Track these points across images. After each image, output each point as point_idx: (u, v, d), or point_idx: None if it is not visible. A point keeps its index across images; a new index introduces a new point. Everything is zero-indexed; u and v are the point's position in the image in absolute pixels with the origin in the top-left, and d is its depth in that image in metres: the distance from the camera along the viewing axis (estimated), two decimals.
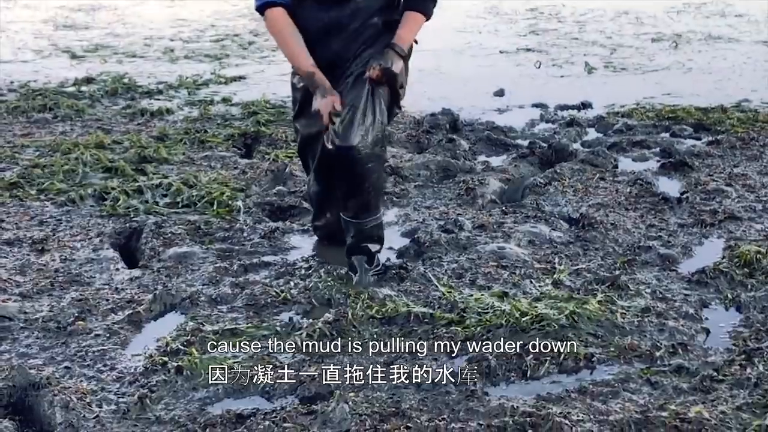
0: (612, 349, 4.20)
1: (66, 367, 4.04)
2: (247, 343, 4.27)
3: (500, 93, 10.27)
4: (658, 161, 7.42)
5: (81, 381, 3.90)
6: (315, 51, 4.80)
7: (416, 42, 5.04)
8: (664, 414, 3.59)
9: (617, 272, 5.02)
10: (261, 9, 4.83)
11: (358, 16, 4.83)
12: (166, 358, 4.08)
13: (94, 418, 3.61)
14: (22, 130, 8.38)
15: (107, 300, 4.71)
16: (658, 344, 4.23)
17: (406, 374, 3.97)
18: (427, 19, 4.90)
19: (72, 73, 11.29)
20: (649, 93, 10.17)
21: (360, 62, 4.84)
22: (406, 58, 4.85)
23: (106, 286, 4.89)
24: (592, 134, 8.54)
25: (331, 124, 4.65)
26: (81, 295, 4.78)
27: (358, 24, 4.84)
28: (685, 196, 6.35)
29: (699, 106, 9.25)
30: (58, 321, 4.48)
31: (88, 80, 10.76)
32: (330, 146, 4.67)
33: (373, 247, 5.02)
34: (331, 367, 4.03)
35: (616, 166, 7.26)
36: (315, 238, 5.59)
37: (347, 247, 5.02)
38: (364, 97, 4.70)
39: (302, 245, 5.50)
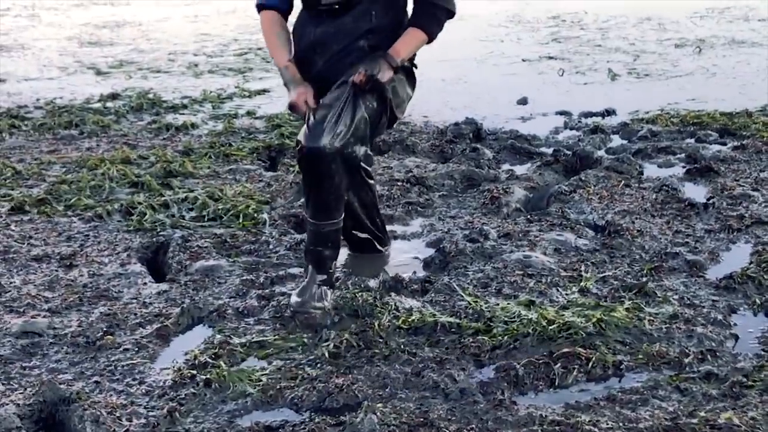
0: (640, 356, 4.19)
1: (95, 382, 4.06)
2: (275, 355, 4.28)
3: (523, 101, 10.26)
4: (684, 167, 7.39)
5: (110, 395, 3.92)
6: (302, 69, 4.83)
7: (416, 66, 5.04)
8: (694, 421, 3.58)
9: (644, 279, 5.00)
10: (257, 10, 5.01)
11: (344, 36, 4.75)
12: (194, 371, 4.10)
13: (124, 431, 3.63)
14: (49, 146, 8.44)
15: (135, 314, 4.73)
16: (687, 351, 4.21)
17: (434, 384, 3.97)
18: (429, 41, 4.80)
19: (97, 89, 11.37)
20: (673, 99, 10.13)
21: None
22: (396, 69, 4.72)
23: (134, 301, 4.91)
24: (616, 141, 8.52)
25: (306, 119, 4.65)
26: (109, 309, 4.80)
27: (342, 45, 4.76)
28: (711, 201, 6.33)
29: (724, 111, 9.21)
30: (87, 336, 4.51)
31: (114, 96, 10.84)
32: (299, 141, 4.64)
33: (326, 253, 4.83)
34: (359, 377, 4.04)
35: (642, 173, 7.24)
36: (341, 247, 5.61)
37: (303, 250, 5.01)
38: (342, 101, 4.60)
39: None
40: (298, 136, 4.69)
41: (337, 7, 4.72)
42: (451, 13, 4.80)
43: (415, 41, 4.76)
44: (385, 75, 4.63)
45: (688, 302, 4.75)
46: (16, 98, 10.87)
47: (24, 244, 5.82)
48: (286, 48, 4.89)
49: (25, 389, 3.99)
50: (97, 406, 3.78)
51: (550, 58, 12.89)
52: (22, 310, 4.83)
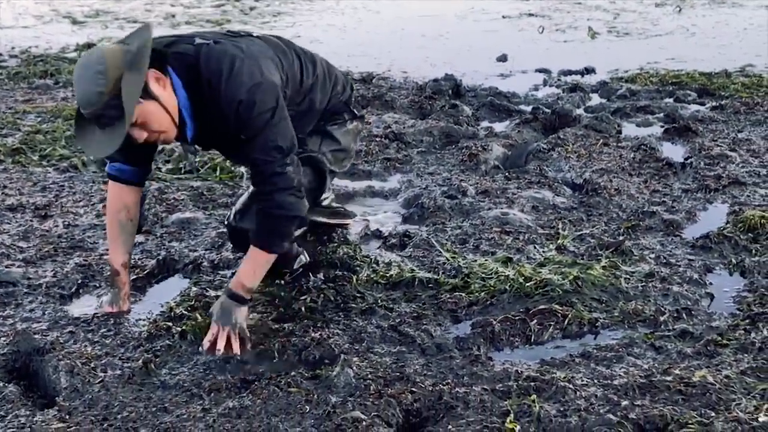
0: (616, 313, 4.20)
1: (70, 332, 4.03)
2: (251, 308, 4.27)
3: (503, 58, 10.25)
4: (662, 126, 7.41)
5: (85, 346, 3.90)
6: None
7: (361, 117, 4.69)
8: (669, 378, 3.59)
9: (621, 237, 5.01)
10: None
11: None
12: (170, 323, 4.08)
13: (99, 382, 3.61)
14: (24, 96, 8.36)
15: (109, 263, 4.70)
16: (662, 309, 4.23)
17: (410, 339, 3.97)
18: (271, 254, 3.97)
19: (73, 38, 11.26)
20: (652, 58, 10.14)
21: None
22: (246, 302, 3.98)
23: (108, 249, 4.88)
24: (595, 100, 8.53)
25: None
26: (84, 260, 4.77)
27: None
28: (689, 161, 6.34)
29: (703, 72, 9.23)
30: (62, 286, 4.48)
31: (89, 46, 10.73)
32: (229, 220, 4.43)
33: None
34: (336, 331, 4.04)
35: (620, 132, 7.25)
36: None
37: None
38: None
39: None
40: (228, 214, 4.49)
41: None
42: (296, 219, 3.93)
43: (257, 265, 3.98)
44: (239, 315, 3.92)
45: (665, 261, 4.76)
46: None
47: None
48: (125, 245, 4.23)
49: None
50: (72, 356, 3.76)
51: (531, 15, 12.86)
52: None
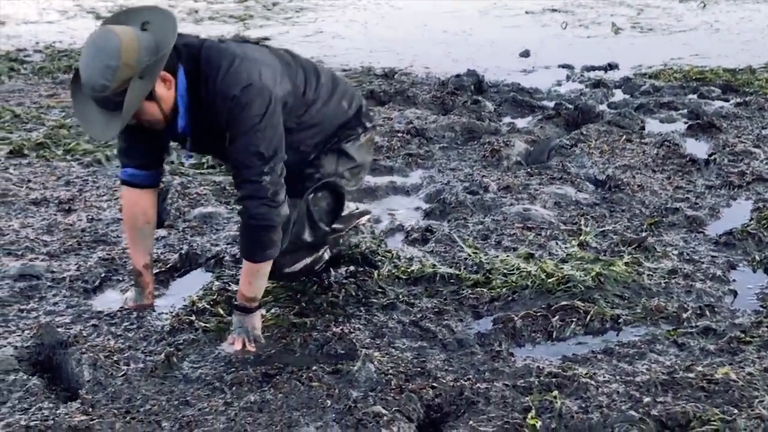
0: (639, 310, 4.19)
1: (93, 326, 4.06)
2: (274, 302, 4.28)
3: (526, 54, 10.22)
4: (686, 123, 7.39)
5: (108, 339, 3.92)
6: None
7: (373, 128, 4.53)
8: (691, 375, 3.58)
9: (644, 234, 5.00)
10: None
11: None
12: (192, 317, 4.10)
13: (121, 376, 3.63)
14: (48, 91, 8.40)
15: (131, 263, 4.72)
16: (685, 306, 4.21)
17: (431, 334, 3.97)
18: (260, 262, 3.88)
19: None
20: (676, 54, 10.10)
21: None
22: (253, 310, 3.95)
23: (129, 252, 4.89)
24: (618, 95, 8.50)
25: None
26: (108, 254, 4.79)
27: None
28: (712, 157, 6.31)
29: (727, 67, 9.18)
30: (85, 280, 4.50)
31: None
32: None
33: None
34: (358, 326, 4.04)
35: (643, 128, 7.22)
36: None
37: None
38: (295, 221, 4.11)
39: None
40: None
41: None
42: (269, 229, 3.81)
43: (250, 276, 3.90)
44: (251, 326, 3.93)
45: (688, 258, 4.75)
46: (15, 41, 10.82)
47: (23, 187, 5.80)
48: (145, 246, 4.23)
49: (23, 332, 3.99)
50: (95, 349, 3.78)
51: (554, 10, 12.82)
52: (20, 253, 4.82)
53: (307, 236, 4.19)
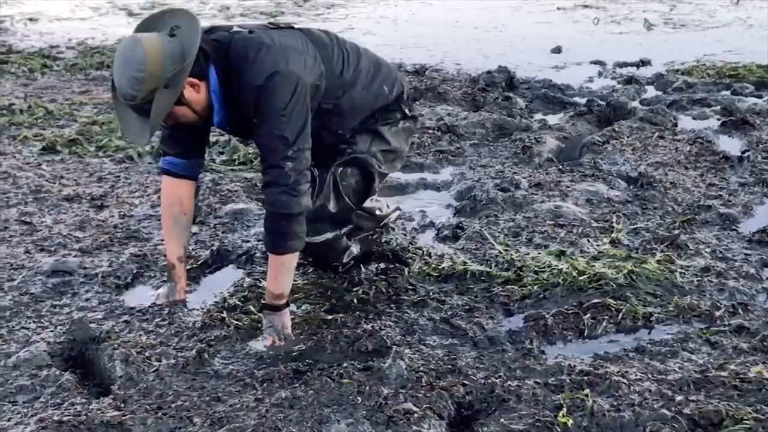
0: (671, 308, 4.16)
1: (125, 322, 4.08)
2: (305, 299, 4.29)
3: (557, 50, 10.18)
4: (719, 119, 7.33)
5: (140, 335, 3.94)
6: None
7: (414, 118, 4.55)
8: (724, 374, 3.55)
9: (676, 231, 4.96)
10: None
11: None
12: (224, 314, 4.11)
13: (153, 371, 3.64)
14: (80, 87, 8.46)
15: (165, 256, 4.74)
16: (718, 304, 4.18)
17: (462, 332, 3.97)
18: (286, 254, 3.87)
19: (129, 30, 11.25)
20: (709, 50, 10.02)
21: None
22: (282, 308, 3.94)
23: (164, 242, 4.92)
24: (651, 92, 8.45)
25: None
26: (139, 251, 4.82)
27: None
28: (746, 154, 6.26)
29: (761, 64, 9.11)
30: (117, 276, 4.53)
31: None
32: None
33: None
34: (388, 323, 4.04)
35: (676, 125, 7.18)
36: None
37: None
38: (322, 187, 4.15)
39: None
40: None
41: None
42: (288, 218, 3.80)
43: (276, 270, 3.90)
44: (280, 324, 3.93)
45: (721, 255, 4.71)
46: (48, 38, 10.89)
47: (55, 183, 5.84)
48: (180, 239, 4.26)
49: (56, 327, 4.02)
50: (127, 345, 3.80)
51: (586, 6, 12.77)
52: (53, 249, 4.86)
53: (332, 207, 4.18)
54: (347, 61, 4.13)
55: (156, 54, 3.56)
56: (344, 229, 4.34)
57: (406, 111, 4.45)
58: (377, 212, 4.76)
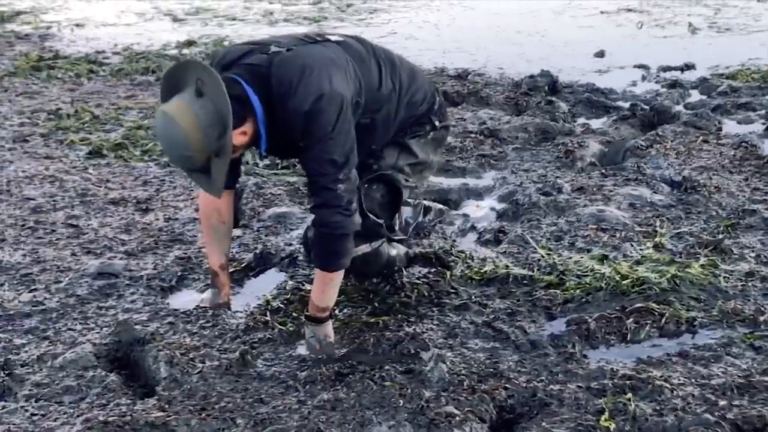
0: (714, 313, 4.14)
1: (170, 323, 4.12)
2: (347, 302, 4.31)
3: (601, 54, 10.14)
4: (764, 123, 7.27)
5: (185, 337, 3.98)
6: None
7: (446, 128, 4.51)
8: (767, 379, 3.53)
9: (720, 236, 4.93)
10: None
11: None
12: (267, 317, 4.14)
13: (197, 373, 3.68)
14: (126, 92, 8.54)
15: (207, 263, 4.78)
16: (763, 309, 4.15)
17: (504, 335, 3.97)
18: (335, 271, 3.88)
19: (174, 36, 11.45)
20: (754, 54, 9.93)
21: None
22: (325, 320, 3.91)
23: (206, 251, 4.95)
24: (695, 96, 8.39)
25: None
26: (184, 253, 4.87)
27: None
28: None
29: None
30: (162, 279, 4.57)
31: (190, 43, 10.92)
32: (305, 237, 4.41)
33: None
34: (430, 326, 4.05)
35: (720, 129, 7.12)
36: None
37: None
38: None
39: None
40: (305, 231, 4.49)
41: None
42: (342, 237, 3.81)
43: (323, 285, 3.90)
44: (322, 335, 3.90)
45: (765, 260, 4.67)
46: (94, 43, 11.00)
47: (101, 187, 5.91)
48: (221, 246, 4.30)
49: (102, 329, 4.07)
50: (172, 347, 3.84)
51: (629, 10, 12.70)
52: (99, 251, 4.92)
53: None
54: (384, 74, 4.09)
55: (195, 129, 3.50)
56: (378, 242, 4.31)
57: (436, 123, 4.40)
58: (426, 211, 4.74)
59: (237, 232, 5.15)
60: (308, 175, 3.85)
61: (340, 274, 3.92)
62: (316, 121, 3.66)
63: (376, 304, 4.29)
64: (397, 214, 4.35)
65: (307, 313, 3.95)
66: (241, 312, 4.23)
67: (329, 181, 3.71)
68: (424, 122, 4.35)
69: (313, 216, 3.86)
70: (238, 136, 3.63)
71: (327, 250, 3.84)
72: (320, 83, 3.68)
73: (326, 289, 3.91)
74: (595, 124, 7.45)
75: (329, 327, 3.95)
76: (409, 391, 3.50)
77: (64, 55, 10.19)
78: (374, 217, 4.18)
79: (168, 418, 3.35)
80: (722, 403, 3.38)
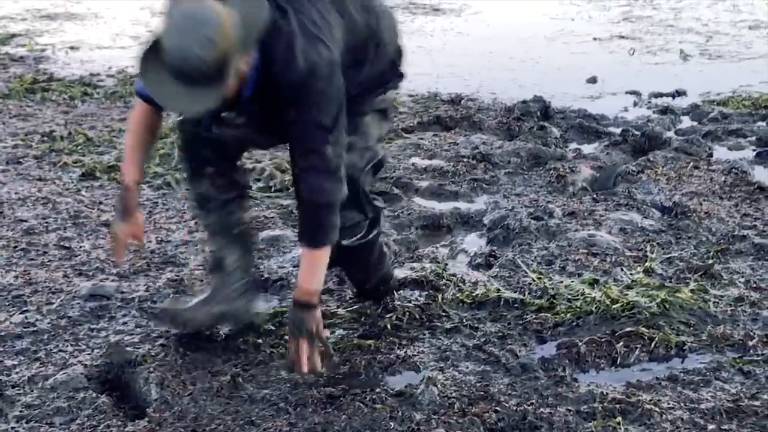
0: (704, 337, 4.16)
1: (162, 345, 4.13)
2: (338, 324, 4.32)
3: (593, 80, 10.19)
4: (754, 150, 7.32)
5: (176, 359, 3.99)
6: None
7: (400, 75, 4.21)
8: (756, 403, 3.55)
9: (710, 261, 4.96)
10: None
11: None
12: (259, 339, 4.15)
13: (188, 395, 3.69)
14: (120, 114, 8.54)
15: (201, 281, 4.79)
16: (752, 334, 4.17)
17: (495, 358, 3.98)
18: (318, 249, 3.73)
19: None
20: (745, 81, 9.98)
21: None
22: (316, 306, 3.75)
23: (201, 267, 4.97)
24: (686, 122, 8.44)
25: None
26: (176, 275, 4.88)
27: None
28: None
29: None
30: (153, 301, 4.58)
31: None
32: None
33: None
34: (421, 349, 4.07)
35: (711, 155, 7.16)
36: (406, 223, 5.65)
37: None
38: None
39: (392, 230, 5.52)
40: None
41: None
42: (330, 207, 3.67)
43: (311, 265, 3.75)
44: (313, 323, 3.71)
45: (755, 285, 4.70)
46: (88, 66, 11.01)
47: (94, 209, 5.92)
48: (141, 164, 4.08)
49: (93, 351, 4.08)
50: (163, 369, 3.85)
51: (621, 37, 12.75)
52: (91, 273, 4.93)
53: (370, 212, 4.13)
54: (368, 27, 3.89)
55: (227, 18, 3.26)
56: (370, 214, 4.15)
57: (401, 73, 4.19)
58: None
59: None
60: (295, 141, 3.71)
61: (328, 252, 3.74)
62: (304, 89, 3.52)
63: (367, 327, 4.30)
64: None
65: (295, 298, 3.76)
66: (233, 334, 4.23)
67: (318, 143, 3.57)
68: (393, 77, 4.17)
69: (299, 184, 3.73)
70: (243, 65, 3.43)
71: (314, 222, 3.70)
72: (307, 53, 3.51)
73: (315, 270, 3.74)
74: (587, 149, 7.49)
75: (317, 315, 3.74)
76: (399, 413, 3.52)
77: (58, 78, 10.20)
78: (377, 202, 4.15)
79: None
80: (711, 427, 3.40)
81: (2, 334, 4.24)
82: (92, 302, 4.57)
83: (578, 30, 13.34)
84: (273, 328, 4.27)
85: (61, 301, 4.58)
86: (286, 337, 3.93)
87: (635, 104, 9.18)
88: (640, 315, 4.29)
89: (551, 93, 9.25)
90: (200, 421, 3.51)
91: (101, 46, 12.42)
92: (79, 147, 7.38)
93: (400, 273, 4.74)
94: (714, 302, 4.46)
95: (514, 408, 3.56)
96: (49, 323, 4.35)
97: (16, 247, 5.26)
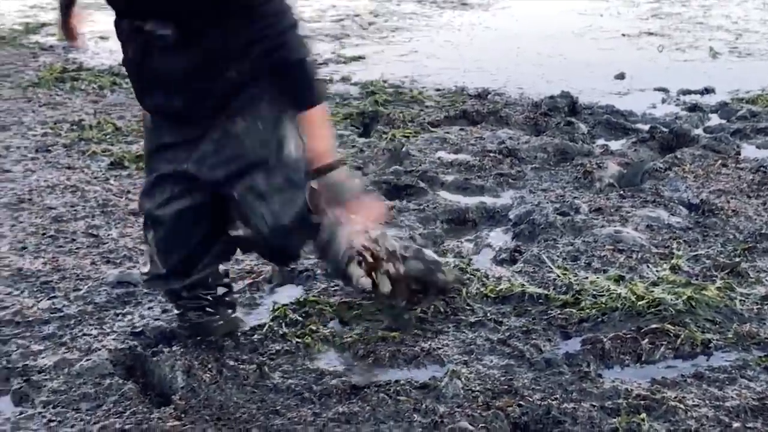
0: (730, 335, 4.14)
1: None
2: (363, 317, 4.33)
3: (621, 76, 10.14)
4: None
5: (202, 346, 4.01)
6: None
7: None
8: None
9: (737, 259, 4.93)
10: None
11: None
12: (285, 329, 4.17)
13: (214, 383, 3.71)
14: None
15: (227, 270, 4.81)
16: None
17: (519, 353, 3.98)
18: (316, 106, 3.48)
19: None
20: None
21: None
22: (337, 164, 3.55)
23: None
24: (714, 120, 8.38)
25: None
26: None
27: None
28: None
29: None
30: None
31: None
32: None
33: None
34: (446, 343, 4.07)
35: (739, 153, 7.12)
36: (431, 217, 5.65)
37: None
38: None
39: (417, 224, 5.52)
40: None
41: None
42: (310, 63, 3.47)
43: (321, 125, 3.53)
44: (343, 178, 3.56)
45: None
46: (117, 56, 10.95)
47: (122, 198, 5.96)
48: None
49: (119, 337, 4.11)
50: (189, 356, 3.87)
51: (650, 34, 12.68)
52: (118, 261, 4.96)
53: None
54: None
55: None
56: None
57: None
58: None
59: None
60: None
61: (324, 108, 3.50)
62: None
63: (392, 320, 4.31)
64: None
65: (315, 168, 3.49)
66: (259, 324, 4.26)
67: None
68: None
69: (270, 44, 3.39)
70: None
71: (306, 80, 3.44)
72: None
73: (323, 128, 3.52)
74: (614, 145, 7.46)
75: (344, 171, 3.53)
76: (423, 406, 3.53)
77: (87, 67, 10.27)
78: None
79: (184, 427, 3.39)
80: (736, 425, 3.39)
81: (30, 319, 4.28)
82: (119, 289, 4.61)
83: (607, 26, 13.28)
84: (299, 318, 4.28)
85: (88, 287, 4.62)
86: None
87: (663, 101, 9.12)
88: (666, 312, 4.28)
89: (579, 89, 9.21)
90: (225, 409, 3.54)
91: None
92: (107, 136, 7.43)
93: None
94: (740, 300, 4.44)
95: (538, 402, 3.56)
96: (76, 309, 4.39)
97: (44, 234, 5.31)
